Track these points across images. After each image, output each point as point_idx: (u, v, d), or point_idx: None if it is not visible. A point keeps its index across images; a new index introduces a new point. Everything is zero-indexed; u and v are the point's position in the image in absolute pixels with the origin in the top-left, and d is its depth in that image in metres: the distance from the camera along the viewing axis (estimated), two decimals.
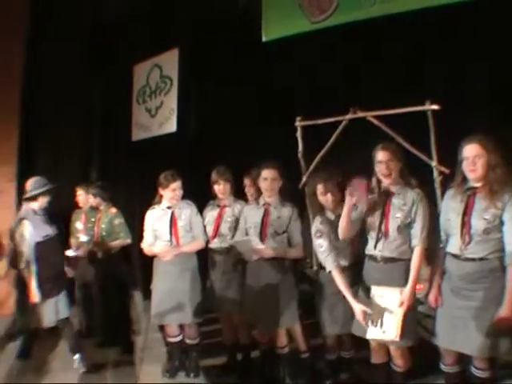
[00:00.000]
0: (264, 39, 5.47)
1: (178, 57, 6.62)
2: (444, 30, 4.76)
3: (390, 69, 5.00)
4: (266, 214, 3.96)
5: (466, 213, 3.11)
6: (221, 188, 4.41)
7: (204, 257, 4.63)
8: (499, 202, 3.02)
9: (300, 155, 4.49)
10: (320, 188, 3.75)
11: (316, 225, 3.78)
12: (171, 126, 6.64)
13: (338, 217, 3.60)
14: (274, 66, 5.82)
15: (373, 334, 3.38)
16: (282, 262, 3.95)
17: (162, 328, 4.96)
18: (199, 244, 4.45)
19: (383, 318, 3.31)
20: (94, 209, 5.89)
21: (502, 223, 3.03)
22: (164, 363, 4.75)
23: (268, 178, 3.91)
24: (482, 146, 3.08)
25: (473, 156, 3.08)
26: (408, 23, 4.67)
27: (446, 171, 3.68)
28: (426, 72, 4.78)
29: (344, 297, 3.62)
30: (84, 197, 5.93)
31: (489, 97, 4.55)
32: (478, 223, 3.06)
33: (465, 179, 3.19)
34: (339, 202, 3.72)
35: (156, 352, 5.14)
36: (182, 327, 4.60)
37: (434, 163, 3.83)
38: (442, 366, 3.40)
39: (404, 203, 3.42)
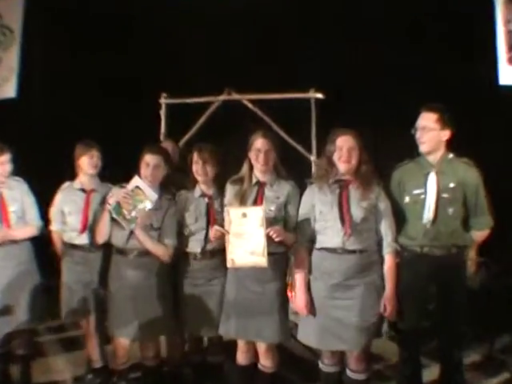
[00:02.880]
0: None
1: (23, 5, 5.62)
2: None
3: (275, 51, 4.62)
4: None
5: (342, 203, 3.09)
6: (94, 162, 3.68)
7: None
8: (372, 193, 3.11)
9: (162, 136, 4.14)
10: (195, 156, 3.46)
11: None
12: (9, 91, 5.70)
13: (202, 195, 3.45)
14: (139, 34, 5.13)
15: (241, 259, 3.13)
16: (154, 262, 3.49)
17: None
18: (32, 230, 3.71)
19: (248, 238, 3.10)
20: None
21: (377, 213, 3.11)
22: None
23: (150, 164, 3.42)
24: (356, 140, 3.10)
25: (348, 147, 3.08)
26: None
27: None
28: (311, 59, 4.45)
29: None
30: None
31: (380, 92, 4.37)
32: (357, 212, 3.06)
33: (328, 172, 3.17)
34: (212, 179, 3.48)
35: None
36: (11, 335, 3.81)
37: (313, 157, 3.68)
38: (321, 365, 3.27)
39: (277, 196, 3.28)
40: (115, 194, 3.35)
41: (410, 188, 3.21)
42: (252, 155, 3.29)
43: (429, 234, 3.13)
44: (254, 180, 3.32)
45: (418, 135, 3.17)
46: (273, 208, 3.23)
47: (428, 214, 3.14)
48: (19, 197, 3.73)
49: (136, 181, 3.34)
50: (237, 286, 3.32)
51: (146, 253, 3.40)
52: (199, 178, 3.50)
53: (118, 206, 3.31)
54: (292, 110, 3.82)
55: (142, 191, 3.35)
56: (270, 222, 3.11)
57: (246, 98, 4.00)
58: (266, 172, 3.30)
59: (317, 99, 3.79)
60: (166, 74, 4.85)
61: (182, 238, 3.49)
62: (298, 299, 3.18)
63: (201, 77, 4.66)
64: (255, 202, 3.27)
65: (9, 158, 3.69)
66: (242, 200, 3.29)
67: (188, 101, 4.17)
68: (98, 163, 3.71)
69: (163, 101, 4.25)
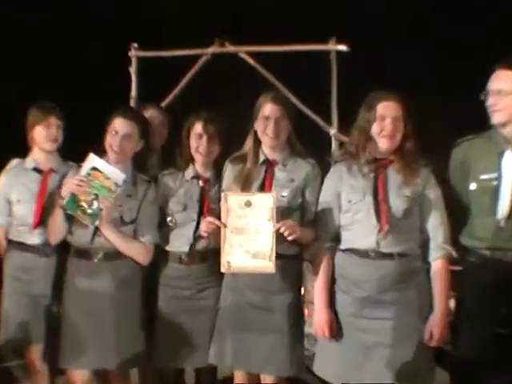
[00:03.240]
0: None
1: None
2: None
3: None
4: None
5: (378, 190, 2.79)
6: (52, 133, 3.15)
7: None
8: (417, 177, 2.80)
9: (133, 100, 3.73)
10: (198, 128, 3.06)
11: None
12: None
13: (196, 177, 3.13)
14: None
15: (240, 262, 2.84)
16: (126, 267, 3.08)
17: None
18: None
19: (252, 235, 2.84)
20: None
21: (424, 204, 2.81)
22: None
23: (120, 132, 2.98)
24: (403, 107, 2.74)
25: (392, 117, 2.71)
26: None
27: None
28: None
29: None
30: None
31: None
32: (397, 202, 2.75)
33: (359, 149, 2.85)
34: (214, 159, 3.13)
35: None
36: None
37: (333, 130, 3.35)
38: None
39: (291, 178, 2.98)
40: (67, 183, 2.91)
41: (478, 171, 2.82)
42: (258, 125, 2.94)
43: (503, 233, 2.73)
44: (262, 158, 2.99)
45: (490, 101, 2.76)
46: (286, 193, 2.90)
47: (502, 206, 2.73)
48: None
49: (92, 160, 2.88)
50: (234, 299, 2.96)
51: (115, 254, 2.99)
52: (198, 157, 3.12)
53: (74, 198, 2.85)
54: (306, 67, 3.46)
55: (102, 173, 2.85)
56: (281, 212, 2.82)
57: (243, 51, 3.59)
58: (276, 147, 2.98)
59: (339, 52, 3.38)
60: (137, 17, 4.40)
61: (163, 231, 3.12)
62: (316, 316, 2.81)
63: (184, 23, 4.24)
64: (262, 187, 2.95)
65: None
66: (244, 184, 2.97)
67: (166, 54, 3.74)
68: (57, 135, 3.18)
69: (133, 53, 3.78)
